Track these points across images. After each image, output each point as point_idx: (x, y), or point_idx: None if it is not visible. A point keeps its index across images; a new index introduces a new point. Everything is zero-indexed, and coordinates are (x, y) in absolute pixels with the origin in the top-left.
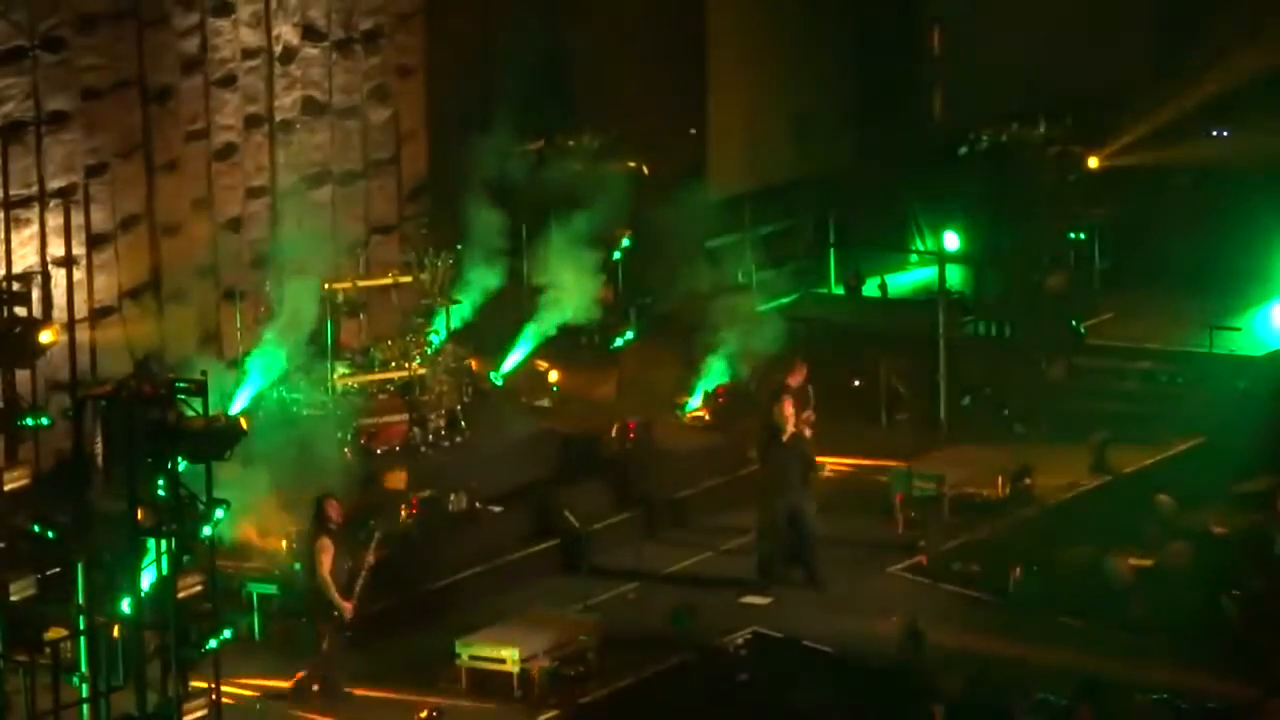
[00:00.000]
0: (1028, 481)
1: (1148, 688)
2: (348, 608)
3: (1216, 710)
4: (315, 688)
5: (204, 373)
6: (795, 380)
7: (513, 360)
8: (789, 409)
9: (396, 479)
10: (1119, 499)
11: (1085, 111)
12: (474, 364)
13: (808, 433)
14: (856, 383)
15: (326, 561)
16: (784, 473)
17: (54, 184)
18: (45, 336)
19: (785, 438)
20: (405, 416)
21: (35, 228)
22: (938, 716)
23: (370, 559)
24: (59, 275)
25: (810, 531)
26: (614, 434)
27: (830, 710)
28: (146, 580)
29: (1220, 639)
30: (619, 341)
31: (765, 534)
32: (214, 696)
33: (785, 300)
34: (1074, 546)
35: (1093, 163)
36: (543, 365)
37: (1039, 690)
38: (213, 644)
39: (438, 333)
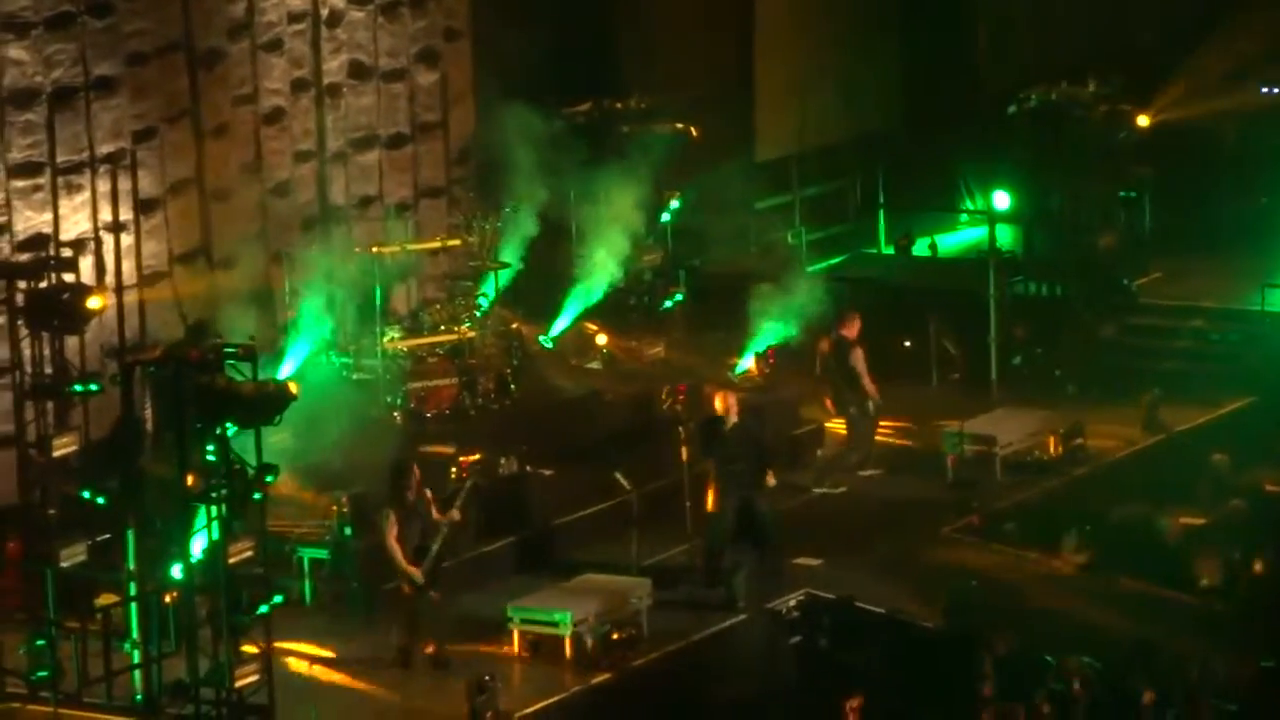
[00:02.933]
0: (1080, 441)
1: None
2: (417, 573)
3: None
4: (429, 650)
5: (253, 337)
6: (850, 332)
7: (561, 323)
8: (728, 399)
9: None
10: (1172, 458)
11: (1135, 69)
12: (522, 327)
13: (870, 387)
14: (907, 343)
15: (394, 531)
16: (730, 466)
17: (103, 149)
18: (94, 302)
19: (727, 428)
20: (455, 380)
21: (85, 194)
22: (987, 670)
23: (455, 516)
24: (109, 241)
25: (765, 527)
26: (664, 396)
27: (883, 671)
28: (197, 546)
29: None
30: (668, 304)
31: (713, 532)
32: (265, 661)
33: (835, 261)
34: (1127, 505)
35: (1143, 121)
36: (591, 328)
37: (1085, 654)
38: (264, 609)
39: (486, 296)
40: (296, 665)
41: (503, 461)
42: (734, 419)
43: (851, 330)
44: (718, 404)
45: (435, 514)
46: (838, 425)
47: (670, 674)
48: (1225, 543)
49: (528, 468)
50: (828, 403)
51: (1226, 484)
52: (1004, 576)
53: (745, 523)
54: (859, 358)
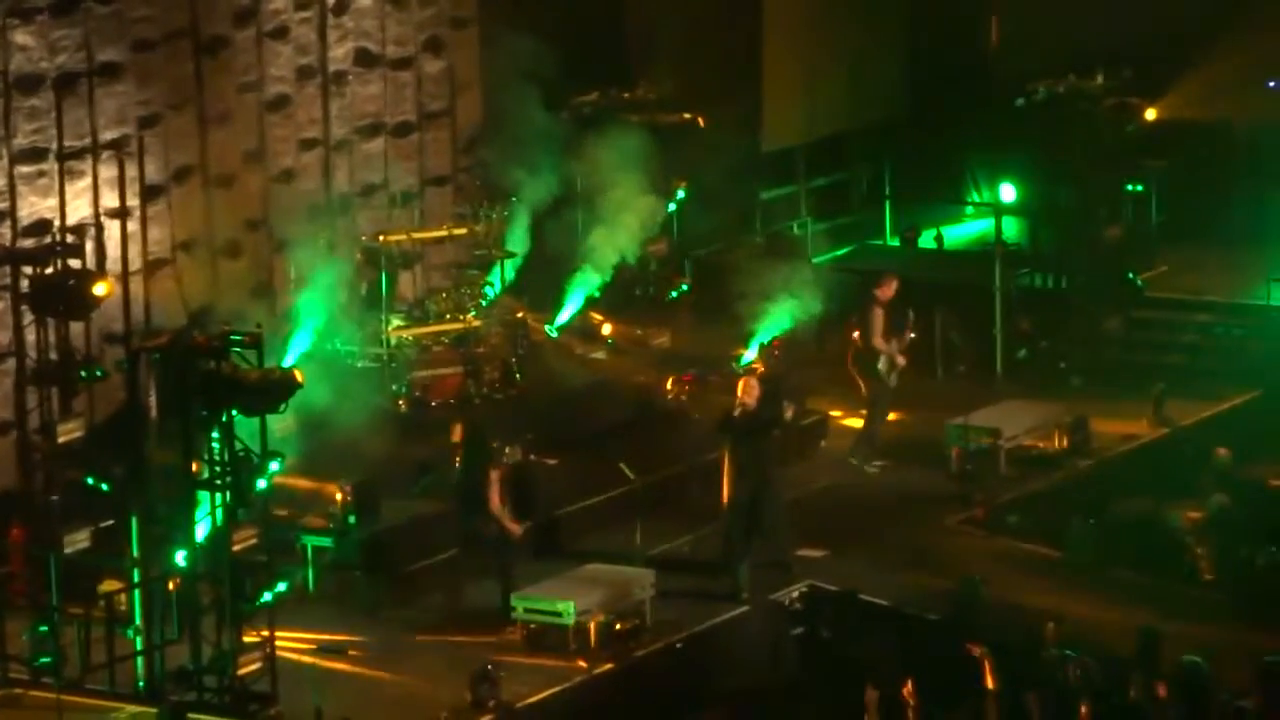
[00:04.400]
0: (1084, 434)
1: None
2: (518, 528)
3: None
4: None
5: (259, 325)
6: (886, 294)
7: (567, 312)
8: (747, 383)
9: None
10: (1176, 452)
11: (1144, 63)
12: (528, 316)
13: (900, 360)
14: (912, 335)
15: (498, 490)
16: (740, 453)
17: (106, 136)
18: (99, 289)
19: (736, 413)
20: (460, 368)
21: (88, 179)
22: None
23: (506, 468)
24: (112, 227)
25: (773, 515)
26: (669, 386)
27: (887, 663)
28: (201, 533)
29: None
30: (673, 293)
31: (731, 518)
32: (268, 649)
33: (840, 252)
34: (1131, 499)
35: (1150, 114)
36: (597, 317)
37: (1088, 647)
38: (267, 597)
39: (492, 285)
40: (299, 653)
41: (507, 450)
42: (752, 405)
43: (885, 291)
44: (739, 390)
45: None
46: (841, 416)
47: (674, 664)
48: (1218, 537)
49: (532, 456)
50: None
51: (1228, 479)
52: (1008, 569)
53: (754, 513)
54: (876, 316)
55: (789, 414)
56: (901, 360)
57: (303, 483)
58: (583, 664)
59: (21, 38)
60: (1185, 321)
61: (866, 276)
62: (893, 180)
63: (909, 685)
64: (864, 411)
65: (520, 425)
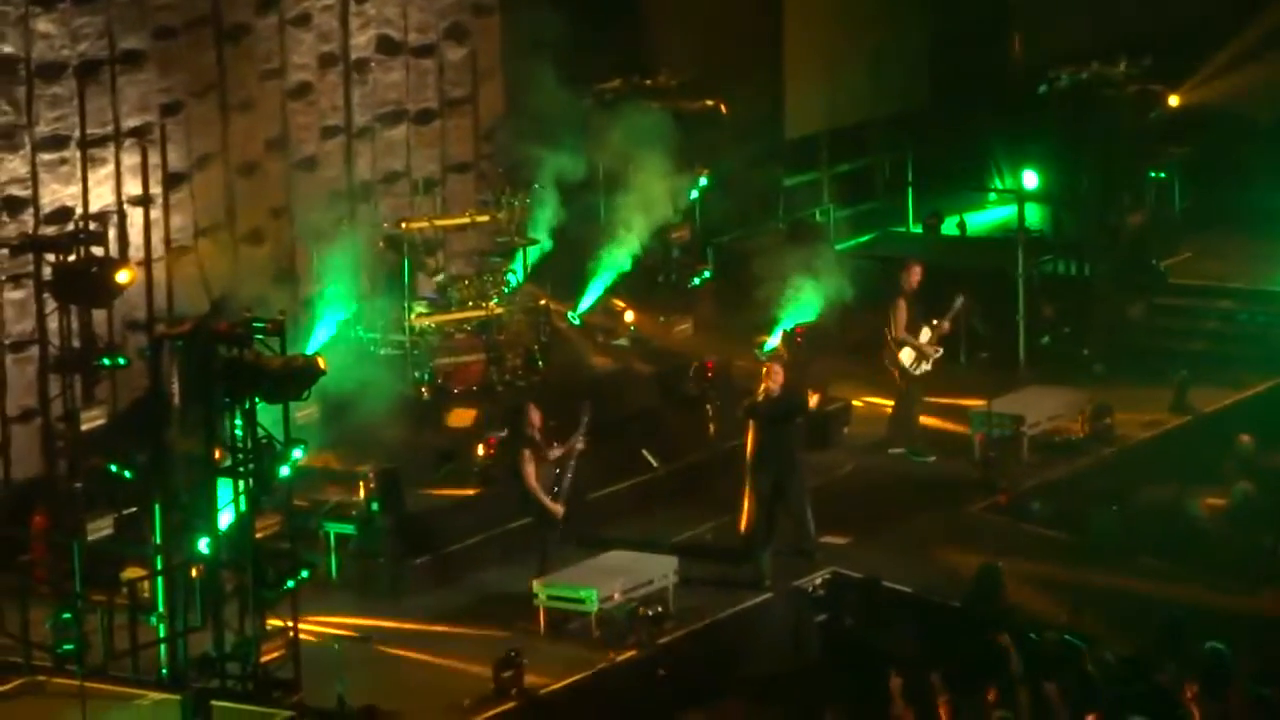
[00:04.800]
0: (1107, 421)
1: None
2: (558, 510)
3: None
4: None
5: (282, 312)
6: (911, 282)
7: (589, 299)
8: (772, 369)
9: (462, 417)
10: (1199, 439)
11: (1167, 49)
12: (550, 303)
13: (930, 350)
14: (935, 321)
15: (532, 470)
16: (763, 440)
17: (129, 123)
18: (122, 276)
19: (760, 400)
20: (482, 356)
21: (111, 167)
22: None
23: (579, 445)
24: (135, 215)
25: (798, 503)
26: (692, 373)
27: (910, 650)
28: (224, 520)
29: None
30: (696, 281)
31: (753, 505)
32: (291, 636)
33: (863, 239)
34: (1154, 486)
35: (1173, 101)
36: (620, 304)
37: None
38: (290, 584)
39: (515, 272)
40: (322, 640)
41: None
42: (776, 392)
43: (910, 279)
44: (763, 377)
45: (556, 448)
46: (864, 402)
47: (697, 651)
48: (1242, 526)
49: (555, 444)
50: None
51: (1252, 465)
52: (1030, 556)
53: (779, 500)
54: (899, 307)
55: (813, 401)
56: (933, 350)
57: (326, 470)
58: (609, 653)
59: (44, 25)
60: (1208, 308)
61: (889, 263)
62: (915, 167)
63: (936, 674)
64: (892, 400)
65: (543, 412)
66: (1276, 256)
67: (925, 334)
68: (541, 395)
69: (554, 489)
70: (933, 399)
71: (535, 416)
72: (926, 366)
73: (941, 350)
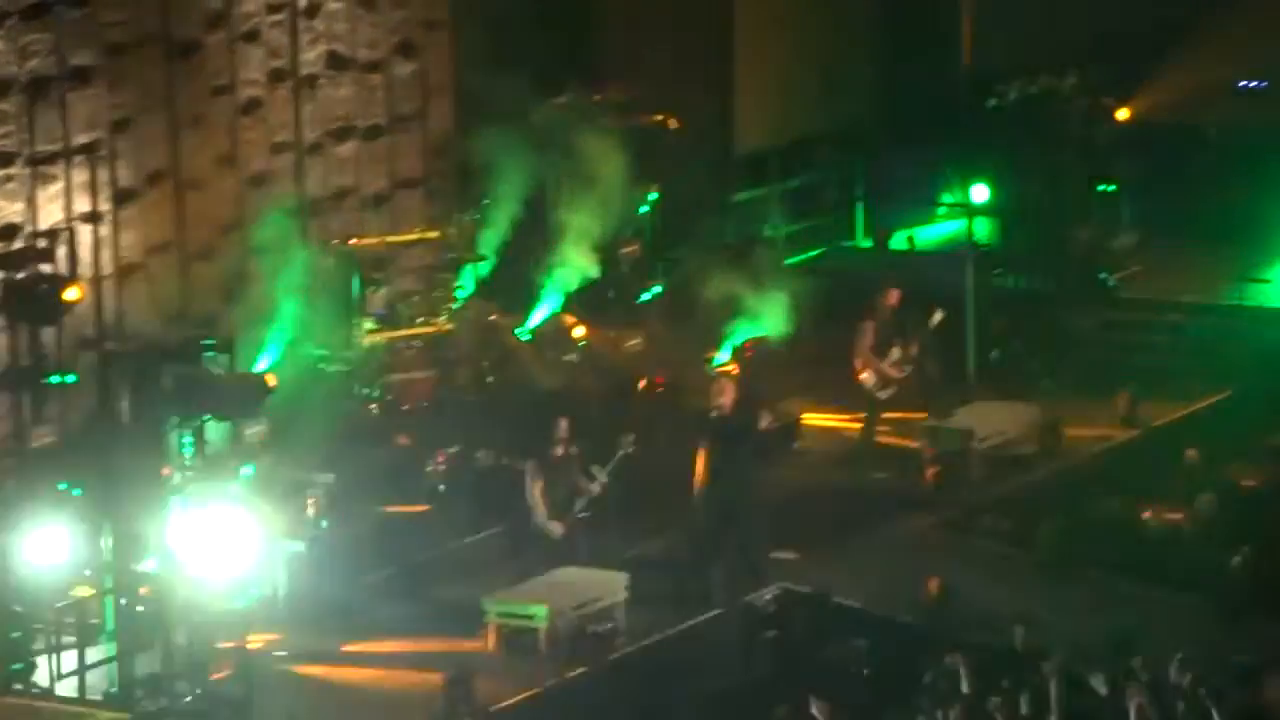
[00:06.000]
0: (1057, 435)
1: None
2: (556, 528)
3: (1244, 668)
4: None
5: (232, 329)
6: (887, 305)
7: (539, 315)
8: (722, 385)
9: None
10: (1148, 453)
11: (1116, 63)
12: (500, 319)
13: (895, 373)
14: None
15: (536, 484)
16: (714, 456)
17: (79, 140)
18: (71, 293)
19: (710, 417)
20: (432, 372)
21: (61, 184)
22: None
23: (596, 487)
24: (84, 232)
25: (746, 523)
26: (641, 388)
27: (860, 666)
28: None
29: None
30: (646, 296)
31: (701, 521)
32: (241, 656)
33: (812, 254)
34: (1105, 500)
35: (1122, 114)
36: (569, 320)
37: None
38: (239, 603)
39: (464, 288)
40: (273, 659)
41: (480, 454)
42: (727, 408)
43: (886, 302)
44: (714, 393)
45: (580, 480)
46: (813, 419)
47: (647, 667)
48: (1200, 537)
49: (504, 461)
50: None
51: (1199, 479)
52: (980, 571)
53: (729, 516)
54: (865, 330)
55: (764, 422)
56: (896, 372)
57: (275, 486)
58: (560, 669)
59: None
60: (1156, 322)
61: (839, 279)
62: (865, 181)
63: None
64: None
65: (493, 429)
66: (1225, 270)
67: (895, 354)
68: (491, 411)
69: (564, 510)
70: (881, 413)
71: (564, 427)
72: (889, 390)
73: (909, 371)
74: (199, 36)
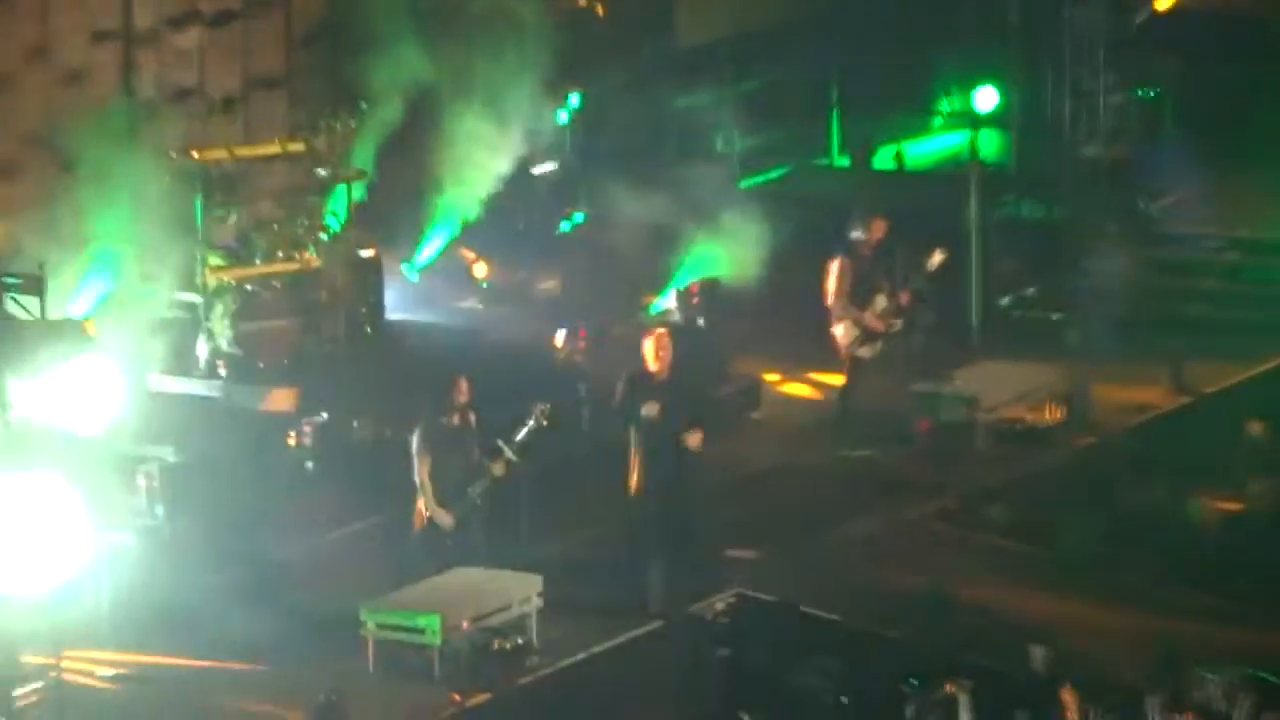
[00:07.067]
0: (1084, 404)
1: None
2: (446, 516)
3: None
4: None
5: (41, 265)
6: (868, 240)
7: (430, 250)
8: (658, 344)
9: (281, 399)
10: (1200, 426)
11: None
12: (381, 254)
13: (879, 326)
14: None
15: (424, 461)
16: (650, 432)
17: None
18: None
19: (652, 376)
20: (295, 320)
21: None
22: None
23: (501, 466)
24: None
25: (693, 522)
26: (560, 341)
27: (833, 693)
28: None
29: None
30: (566, 226)
31: (637, 512)
32: (54, 676)
33: (774, 174)
34: (1144, 485)
35: (1163, 3)
36: (469, 255)
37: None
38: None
39: (336, 215)
40: (93, 679)
41: (356, 424)
42: (663, 371)
43: (869, 236)
44: (645, 351)
45: (481, 458)
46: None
47: (565, 695)
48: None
49: (387, 432)
50: None
51: (1263, 459)
52: (988, 573)
53: (670, 503)
54: (838, 269)
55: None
56: (881, 325)
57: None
58: (453, 695)
59: None
60: (1208, 262)
61: (816, 208)
62: (841, 83)
63: None
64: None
65: (371, 392)
66: None
67: (880, 303)
68: (368, 369)
69: (459, 495)
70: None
71: (462, 390)
72: (872, 347)
73: (898, 325)
74: None
